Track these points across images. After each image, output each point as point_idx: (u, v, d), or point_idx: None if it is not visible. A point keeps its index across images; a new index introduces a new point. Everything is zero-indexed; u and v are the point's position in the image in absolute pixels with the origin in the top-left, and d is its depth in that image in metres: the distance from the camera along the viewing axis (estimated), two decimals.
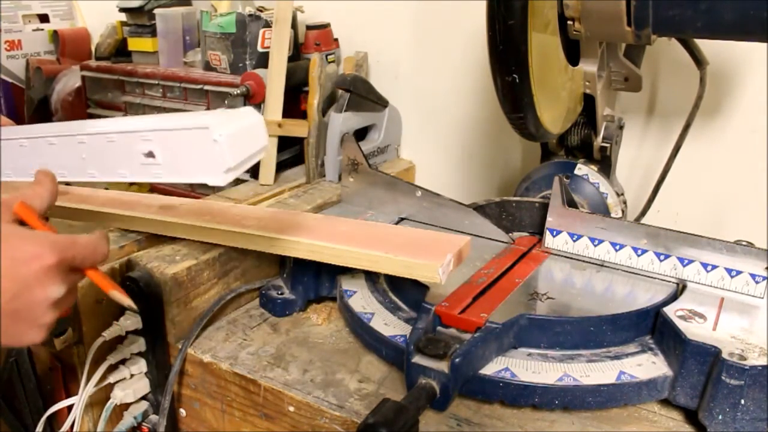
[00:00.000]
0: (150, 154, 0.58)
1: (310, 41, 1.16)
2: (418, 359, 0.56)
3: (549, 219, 0.75)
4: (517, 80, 0.68)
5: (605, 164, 0.87)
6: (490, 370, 0.58)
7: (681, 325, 0.58)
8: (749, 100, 0.89)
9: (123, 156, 0.60)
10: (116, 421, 0.73)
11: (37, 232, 0.52)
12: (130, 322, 0.70)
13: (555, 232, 0.75)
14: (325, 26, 1.17)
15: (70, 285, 0.52)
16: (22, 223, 0.53)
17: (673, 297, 0.66)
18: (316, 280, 0.76)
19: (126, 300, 0.57)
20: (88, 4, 1.55)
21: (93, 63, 1.29)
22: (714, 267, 0.66)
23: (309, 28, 1.16)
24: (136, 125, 0.60)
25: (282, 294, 0.77)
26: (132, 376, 0.72)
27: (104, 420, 0.71)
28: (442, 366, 0.55)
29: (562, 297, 0.67)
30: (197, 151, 0.55)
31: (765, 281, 0.64)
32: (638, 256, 0.70)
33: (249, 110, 0.59)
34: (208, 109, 1.12)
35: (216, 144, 0.54)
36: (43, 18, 1.50)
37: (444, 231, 0.82)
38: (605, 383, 0.56)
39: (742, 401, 0.52)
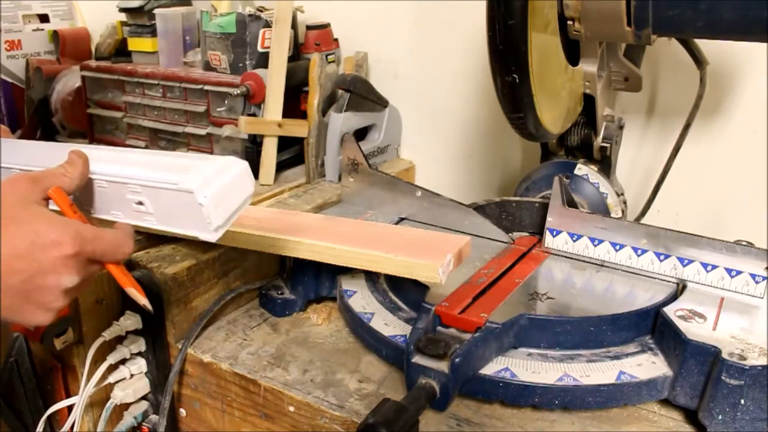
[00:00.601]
0: (141, 203, 0.58)
1: (310, 41, 1.16)
2: (418, 359, 0.56)
3: (549, 219, 0.75)
4: (517, 80, 0.68)
5: (605, 164, 0.87)
6: (490, 370, 0.58)
7: (681, 325, 0.58)
8: (749, 100, 0.89)
9: (117, 200, 0.60)
10: (116, 421, 0.73)
11: (64, 218, 0.52)
12: (130, 322, 0.70)
13: (555, 232, 0.75)
14: (325, 26, 1.17)
15: (86, 276, 0.52)
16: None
17: (673, 297, 0.66)
18: (316, 280, 0.76)
19: (142, 299, 0.57)
20: (88, 4, 1.55)
21: (93, 63, 1.29)
22: (714, 267, 0.66)
23: (309, 28, 1.16)
24: (126, 173, 0.58)
25: (282, 294, 0.77)
26: (132, 376, 0.72)
27: (104, 420, 0.71)
28: (442, 366, 0.55)
29: (562, 297, 0.67)
30: (185, 209, 0.55)
31: (765, 281, 0.64)
32: (638, 256, 0.70)
33: (232, 160, 0.59)
34: (208, 109, 1.12)
35: (202, 207, 0.54)
36: (43, 18, 1.50)
37: (444, 231, 0.82)
38: (605, 383, 0.56)
39: (742, 401, 0.52)
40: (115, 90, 1.26)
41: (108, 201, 0.61)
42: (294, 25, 1.11)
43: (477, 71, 1.09)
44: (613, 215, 0.84)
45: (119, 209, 0.60)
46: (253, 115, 1.06)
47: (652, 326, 0.63)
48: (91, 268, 0.53)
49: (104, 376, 0.70)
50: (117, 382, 0.71)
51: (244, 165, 0.59)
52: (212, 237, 0.56)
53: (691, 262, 0.67)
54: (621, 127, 0.88)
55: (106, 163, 0.60)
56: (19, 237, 0.48)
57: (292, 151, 1.11)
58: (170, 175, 0.55)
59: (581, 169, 0.86)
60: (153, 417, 0.74)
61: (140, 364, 0.72)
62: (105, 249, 0.52)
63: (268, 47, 1.07)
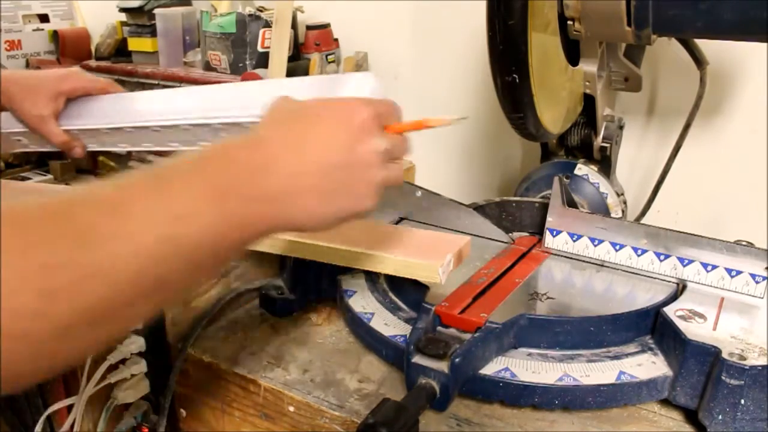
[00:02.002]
0: None
1: (310, 41, 1.16)
2: (418, 359, 0.56)
3: (549, 219, 0.75)
4: (517, 80, 0.68)
5: (605, 164, 0.87)
6: (490, 370, 0.58)
7: (681, 325, 0.58)
8: (749, 100, 0.89)
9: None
10: (116, 421, 0.73)
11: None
12: None
13: (555, 232, 0.75)
14: (325, 26, 1.17)
15: (388, 143, 0.50)
16: None
17: (673, 297, 0.66)
18: (316, 280, 0.76)
19: (444, 119, 0.55)
20: (88, 4, 1.55)
21: (93, 63, 1.29)
22: (714, 267, 0.66)
23: (309, 28, 1.16)
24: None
25: (282, 294, 0.77)
26: (132, 376, 0.72)
27: (104, 420, 0.71)
28: (442, 366, 0.55)
29: (562, 297, 0.67)
30: None
31: (765, 281, 0.64)
32: (638, 256, 0.70)
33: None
34: None
35: None
36: (43, 18, 1.50)
37: (444, 231, 0.82)
38: (605, 383, 0.56)
39: (742, 401, 0.52)
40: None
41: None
42: (294, 25, 1.11)
43: (477, 71, 1.09)
44: (613, 215, 0.84)
45: None
46: None
47: (652, 326, 0.63)
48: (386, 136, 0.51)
49: (104, 376, 0.70)
50: (117, 382, 0.71)
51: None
52: None
53: (691, 262, 0.67)
54: (621, 127, 0.88)
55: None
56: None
57: None
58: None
59: (581, 169, 0.86)
60: (153, 417, 0.74)
61: (140, 364, 0.72)
62: (389, 110, 0.52)
63: (268, 47, 1.07)
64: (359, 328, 0.69)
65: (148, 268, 0.38)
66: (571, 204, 0.76)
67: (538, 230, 0.81)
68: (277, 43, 1.05)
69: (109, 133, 0.84)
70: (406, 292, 0.70)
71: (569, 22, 0.72)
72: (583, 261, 0.74)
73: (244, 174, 0.43)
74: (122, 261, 0.37)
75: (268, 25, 1.09)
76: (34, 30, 1.47)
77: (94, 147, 0.88)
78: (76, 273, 0.35)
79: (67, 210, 0.37)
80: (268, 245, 0.73)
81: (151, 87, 1.19)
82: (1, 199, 0.35)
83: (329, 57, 1.16)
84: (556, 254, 0.76)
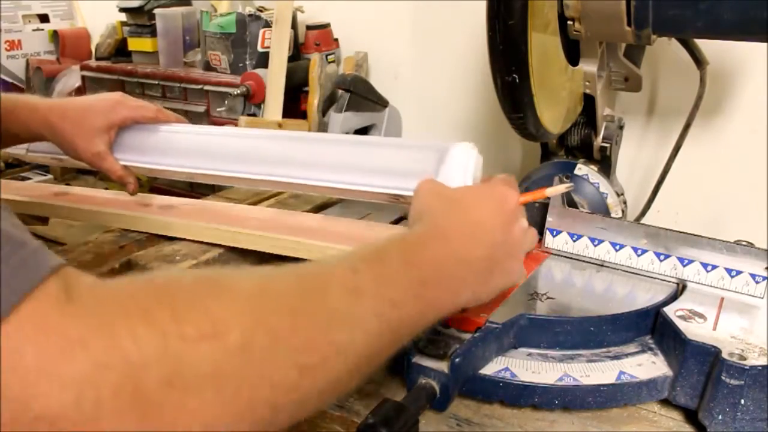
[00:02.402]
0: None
1: (310, 41, 1.16)
2: (418, 359, 0.56)
3: (549, 219, 0.75)
4: (517, 80, 0.68)
5: (605, 164, 0.87)
6: (490, 370, 0.58)
7: (681, 325, 0.58)
8: (749, 100, 0.89)
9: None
10: None
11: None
12: None
13: (555, 232, 0.75)
14: (325, 26, 1.17)
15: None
16: None
17: (673, 297, 0.66)
18: None
19: (559, 188, 0.65)
20: (88, 4, 1.55)
21: (93, 63, 1.29)
22: (714, 267, 0.66)
23: (309, 28, 1.16)
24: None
25: None
26: None
27: None
28: (442, 366, 0.55)
29: (562, 297, 0.67)
30: None
31: (765, 281, 0.64)
32: (638, 256, 0.70)
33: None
34: (207, 109, 1.12)
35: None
36: (43, 18, 1.50)
37: None
38: (605, 383, 0.56)
39: (742, 401, 0.52)
40: (115, 90, 1.26)
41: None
42: (294, 25, 1.12)
43: (477, 71, 1.09)
44: (613, 215, 0.84)
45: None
46: (253, 115, 1.07)
47: (652, 326, 0.63)
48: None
49: None
50: None
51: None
52: None
53: (691, 262, 0.67)
54: (621, 127, 0.88)
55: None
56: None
57: None
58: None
59: (581, 169, 0.86)
60: None
61: None
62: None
63: (268, 47, 1.07)
64: None
65: (371, 346, 0.42)
66: (571, 204, 0.76)
67: (538, 230, 0.81)
68: (277, 43, 1.05)
69: (177, 174, 0.81)
70: None
71: (569, 22, 0.72)
72: (583, 261, 0.74)
73: (436, 265, 0.48)
74: (358, 340, 0.40)
75: (268, 25, 1.09)
76: (34, 30, 1.47)
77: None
78: (327, 351, 0.38)
79: (320, 289, 0.40)
80: (268, 245, 0.73)
81: (151, 87, 1.19)
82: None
83: (329, 57, 1.16)
84: (556, 254, 0.76)
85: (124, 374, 0.29)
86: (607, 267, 0.72)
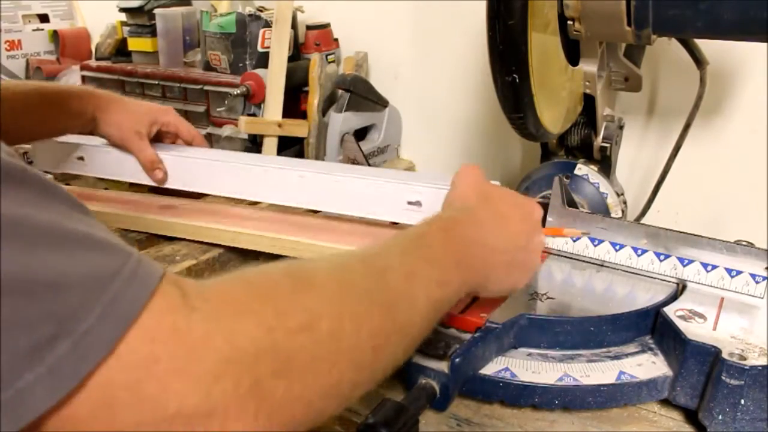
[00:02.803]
0: (417, 203, 0.73)
1: (310, 41, 1.16)
2: (418, 359, 0.56)
3: (549, 219, 0.75)
4: (517, 80, 0.68)
5: (605, 164, 0.87)
6: (490, 370, 0.58)
7: (681, 325, 0.58)
8: (749, 100, 0.89)
9: (387, 199, 0.73)
10: None
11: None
12: None
13: None
14: (325, 26, 1.17)
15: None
16: None
17: (673, 297, 0.66)
18: None
19: (575, 231, 0.71)
20: (88, 4, 1.55)
21: (93, 63, 1.29)
22: (714, 267, 0.66)
23: (309, 28, 1.16)
24: (403, 177, 0.75)
25: None
26: None
27: None
28: (442, 366, 0.55)
29: (562, 297, 0.67)
30: None
31: (765, 281, 0.64)
32: (638, 256, 0.70)
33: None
34: (207, 109, 1.12)
35: None
36: (43, 18, 1.50)
37: None
38: (605, 383, 0.56)
39: (742, 401, 0.52)
40: (115, 90, 1.26)
41: (374, 199, 0.76)
42: (294, 25, 1.12)
43: (477, 71, 1.09)
44: (613, 215, 0.84)
45: (384, 208, 0.75)
46: (253, 115, 1.07)
47: (652, 326, 0.63)
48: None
49: None
50: None
51: None
52: None
53: (691, 262, 0.67)
54: (621, 127, 0.88)
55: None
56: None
57: (292, 152, 1.11)
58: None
59: (581, 169, 0.86)
60: None
61: None
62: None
63: (268, 47, 1.07)
64: None
65: (423, 324, 0.46)
66: (571, 204, 0.76)
67: None
68: (277, 43, 1.05)
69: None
70: None
71: (569, 22, 0.72)
72: (583, 261, 0.74)
73: (470, 247, 0.53)
74: (415, 319, 0.45)
75: (268, 25, 1.09)
76: (34, 30, 1.47)
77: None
78: (392, 331, 0.42)
79: (382, 272, 0.44)
80: (268, 245, 0.73)
81: (151, 87, 1.19)
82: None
83: (329, 57, 1.16)
84: (556, 254, 0.76)
85: (243, 368, 0.32)
86: (607, 267, 0.72)
